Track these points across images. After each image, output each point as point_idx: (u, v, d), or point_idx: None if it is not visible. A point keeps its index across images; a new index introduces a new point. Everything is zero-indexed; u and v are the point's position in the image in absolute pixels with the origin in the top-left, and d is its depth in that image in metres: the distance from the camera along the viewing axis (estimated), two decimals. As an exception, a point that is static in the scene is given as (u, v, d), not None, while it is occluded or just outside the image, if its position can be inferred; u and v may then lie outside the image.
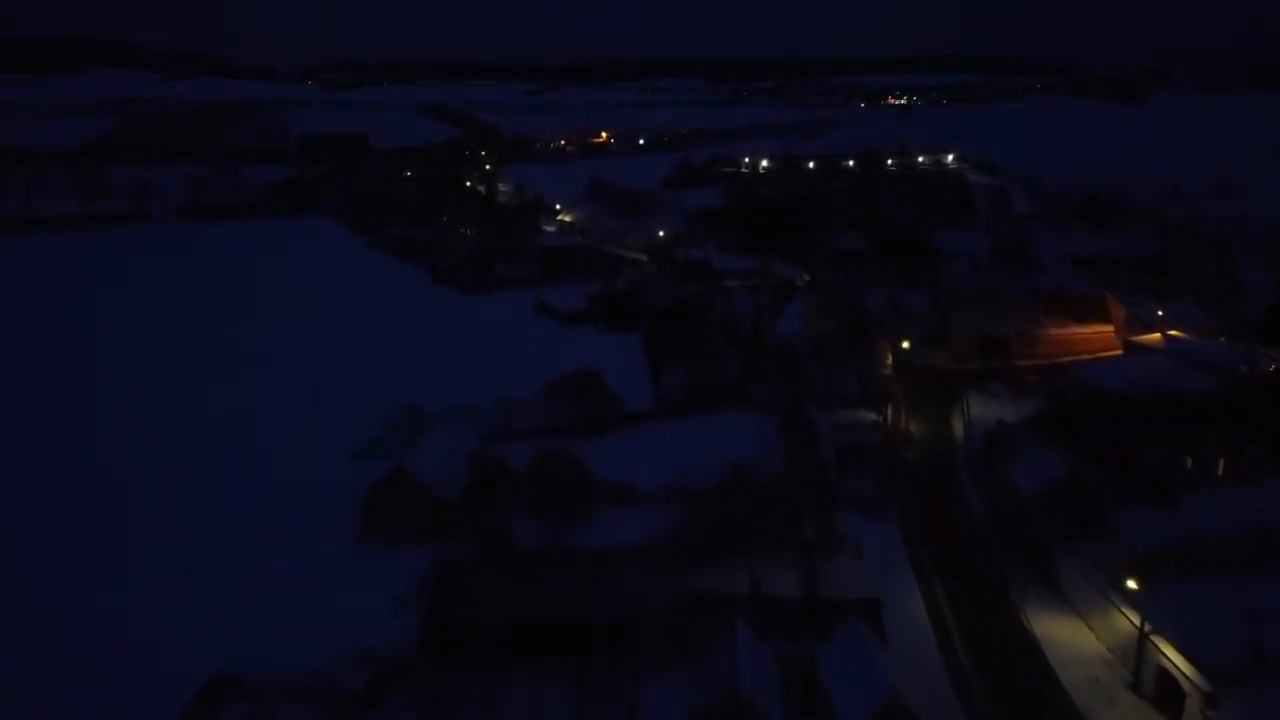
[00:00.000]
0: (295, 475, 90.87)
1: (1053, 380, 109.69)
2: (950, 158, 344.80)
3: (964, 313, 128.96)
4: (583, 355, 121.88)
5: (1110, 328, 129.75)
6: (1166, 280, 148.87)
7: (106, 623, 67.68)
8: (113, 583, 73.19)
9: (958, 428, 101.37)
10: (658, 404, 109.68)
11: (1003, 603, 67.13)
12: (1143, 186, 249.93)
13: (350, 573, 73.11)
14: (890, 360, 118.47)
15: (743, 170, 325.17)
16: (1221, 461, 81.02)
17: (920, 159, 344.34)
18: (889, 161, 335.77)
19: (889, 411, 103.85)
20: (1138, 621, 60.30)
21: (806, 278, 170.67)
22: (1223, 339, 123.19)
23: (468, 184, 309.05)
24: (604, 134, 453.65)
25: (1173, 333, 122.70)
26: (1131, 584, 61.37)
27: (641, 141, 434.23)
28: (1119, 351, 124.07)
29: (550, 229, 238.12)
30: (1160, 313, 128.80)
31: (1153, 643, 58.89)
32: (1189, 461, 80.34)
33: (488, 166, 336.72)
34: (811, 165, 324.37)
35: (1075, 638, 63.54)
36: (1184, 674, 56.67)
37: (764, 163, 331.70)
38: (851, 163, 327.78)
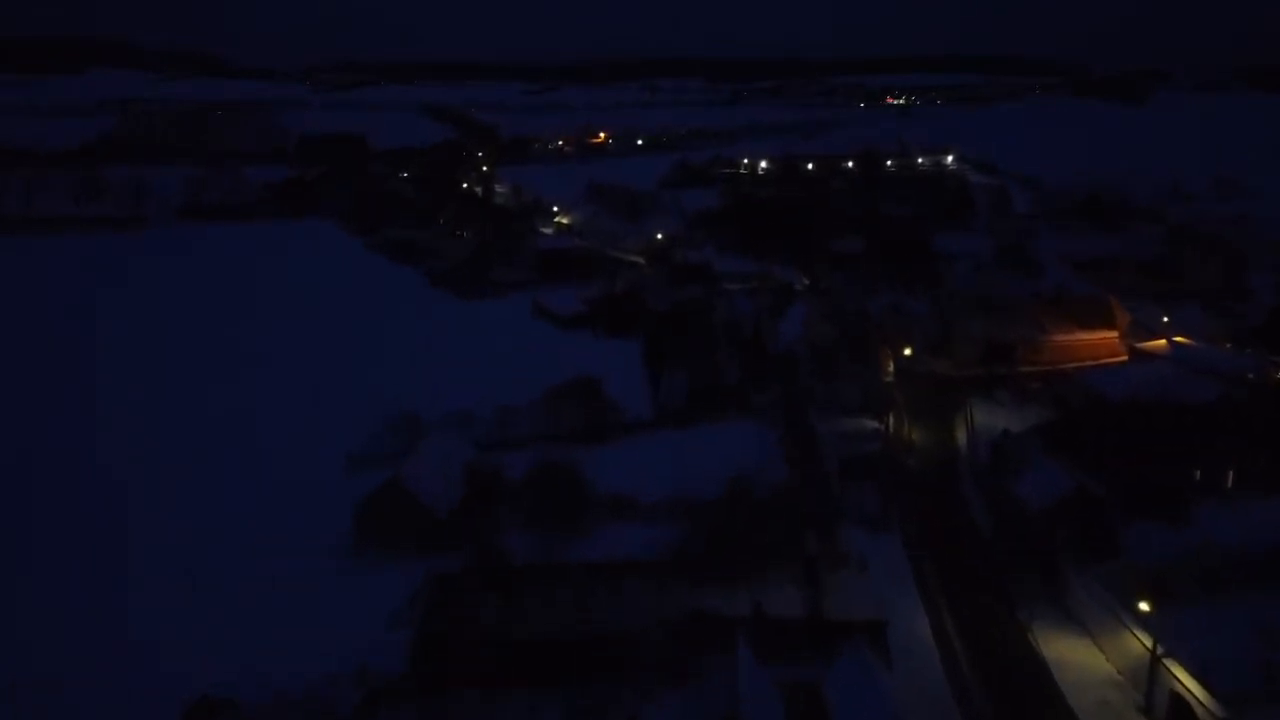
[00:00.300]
0: (290, 483, 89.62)
1: (1058, 388, 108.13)
2: (950, 158, 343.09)
3: (966, 318, 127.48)
4: (581, 360, 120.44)
5: (1115, 333, 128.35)
6: (1170, 283, 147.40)
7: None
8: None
9: (961, 437, 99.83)
10: (657, 411, 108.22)
11: (1010, 621, 65.53)
12: (1143, 187, 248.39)
13: (344, 587, 71.69)
14: (891, 367, 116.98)
15: (741, 171, 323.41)
16: (1232, 473, 79.59)
17: (920, 159, 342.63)
18: (888, 162, 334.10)
19: (890, 420, 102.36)
20: (1149, 643, 58.78)
21: (806, 281, 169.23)
22: (1229, 345, 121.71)
23: (465, 185, 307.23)
24: (602, 134, 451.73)
25: (1178, 339, 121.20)
26: (1144, 605, 59.76)
27: (640, 142, 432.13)
28: (1124, 358, 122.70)
29: (548, 231, 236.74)
30: (1165, 318, 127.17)
31: (1165, 665, 57.37)
32: (1199, 473, 78.88)
33: (485, 168, 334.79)
34: (811, 166, 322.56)
35: (1084, 659, 61.96)
36: (1197, 698, 55.13)
37: (763, 164, 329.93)
38: (851, 164, 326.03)
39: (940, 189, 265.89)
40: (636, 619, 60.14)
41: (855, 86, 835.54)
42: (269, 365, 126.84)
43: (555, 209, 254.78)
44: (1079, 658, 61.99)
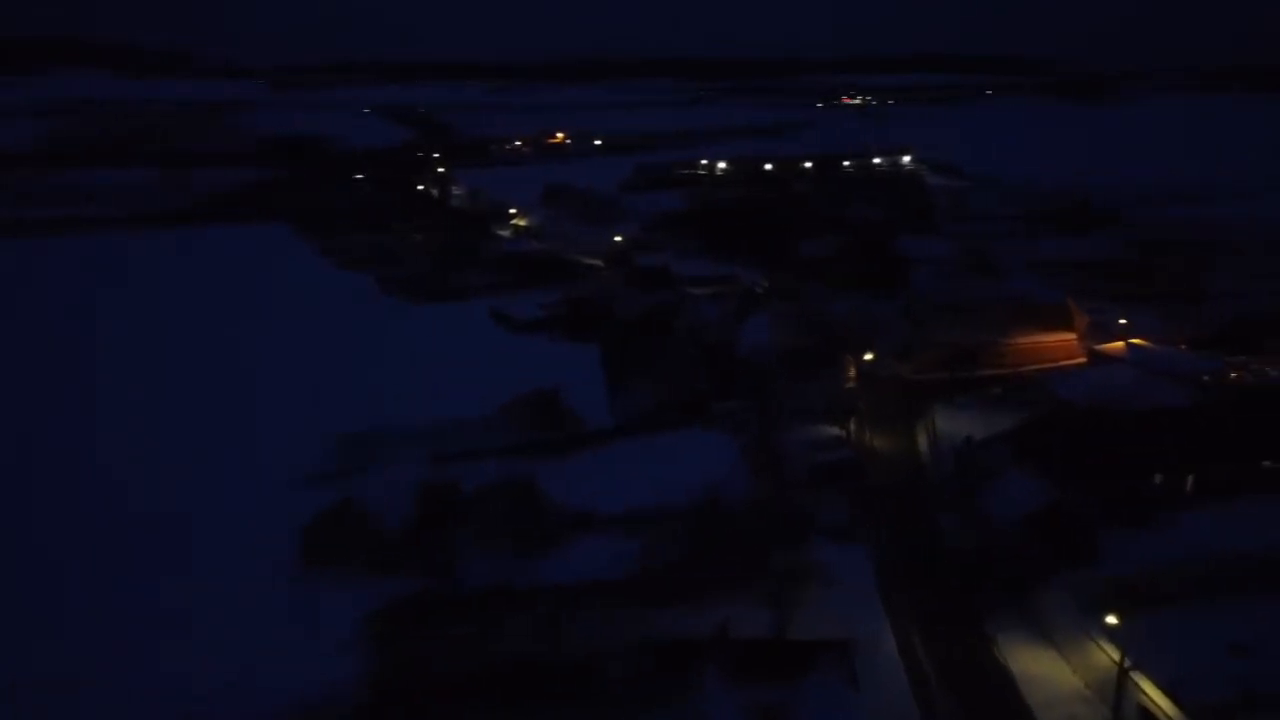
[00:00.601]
0: (232, 504, 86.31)
1: (1020, 392, 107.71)
2: (912, 159, 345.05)
3: (930, 322, 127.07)
4: (540, 368, 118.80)
5: (1073, 335, 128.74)
6: (1132, 286, 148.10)
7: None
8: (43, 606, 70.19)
9: (925, 444, 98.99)
10: (619, 421, 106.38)
11: (977, 635, 64.47)
12: (1108, 189, 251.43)
13: (290, 613, 68.86)
14: (855, 372, 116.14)
15: (704, 173, 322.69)
16: (1197, 479, 79.43)
17: (883, 161, 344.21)
18: (852, 164, 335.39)
19: (854, 427, 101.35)
20: (1117, 656, 57.99)
21: (767, 284, 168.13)
22: (1184, 347, 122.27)
23: (423, 188, 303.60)
24: (561, 135, 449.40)
25: (1135, 341, 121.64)
26: (1111, 618, 58.92)
27: (599, 143, 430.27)
28: (1082, 360, 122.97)
29: (506, 234, 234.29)
30: (1123, 320, 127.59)
31: (1133, 680, 56.58)
32: (1166, 481, 78.63)
33: (443, 170, 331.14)
34: (775, 168, 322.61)
35: (1052, 673, 60.99)
36: (1165, 712, 54.43)
37: (726, 166, 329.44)
38: (814, 166, 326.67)
39: (903, 192, 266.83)
40: (601, 643, 58.28)
41: (819, 87, 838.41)
42: (211, 379, 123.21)
43: (514, 212, 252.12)
44: (1047, 672, 61.02)
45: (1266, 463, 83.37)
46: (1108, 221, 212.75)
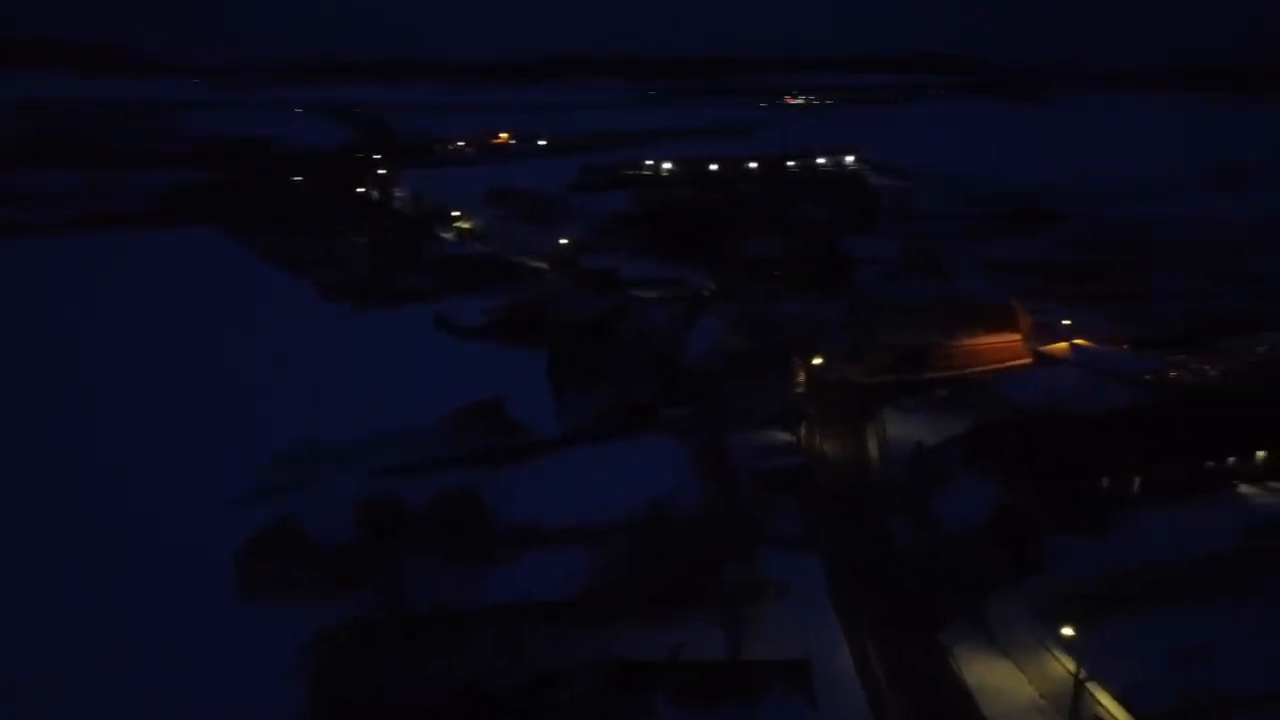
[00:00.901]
0: (165, 526, 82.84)
1: (968, 395, 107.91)
2: (856, 159, 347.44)
3: (876, 324, 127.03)
4: (485, 376, 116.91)
5: (1018, 337, 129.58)
6: (1076, 286, 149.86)
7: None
8: None
9: (875, 448, 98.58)
10: (566, 429, 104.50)
11: (932, 647, 63.82)
12: (1049, 189, 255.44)
13: (226, 640, 66.03)
14: (804, 376, 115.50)
15: (650, 174, 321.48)
16: (1146, 481, 79.97)
17: (827, 161, 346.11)
18: (797, 164, 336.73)
19: (804, 432, 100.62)
20: (1071, 666, 57.65)
21: (714, 286, 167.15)
22: (1126, 347, 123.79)
23: (364, 190, 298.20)
24: (506, 136, 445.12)
25: (1079, 342, 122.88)
26: (1066, 630, 58.58)
27: (543, 143, 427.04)
28: (1027, 360, 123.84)
29: (450, 237, 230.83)
30: (1067, 321, 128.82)
31: (1088, 690, 56.24)
32: (1114, 484, 79.01)
33: (385, 171, 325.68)
34: (720, 169, 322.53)
35: (1008, 683, 60.50)
36: (1120, 722, 54.19)
37: (671, 166, 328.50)
38: (759, 166, 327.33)
39: (847, 192, 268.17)
40: (552, 667, 56.46)
41: (762, 87, 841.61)
42: (142, 391, 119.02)
43: (457, 214, 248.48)
44: (1003, 683, 60.53)
45: (1210, 464, 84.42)
46: (1049, 221, 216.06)
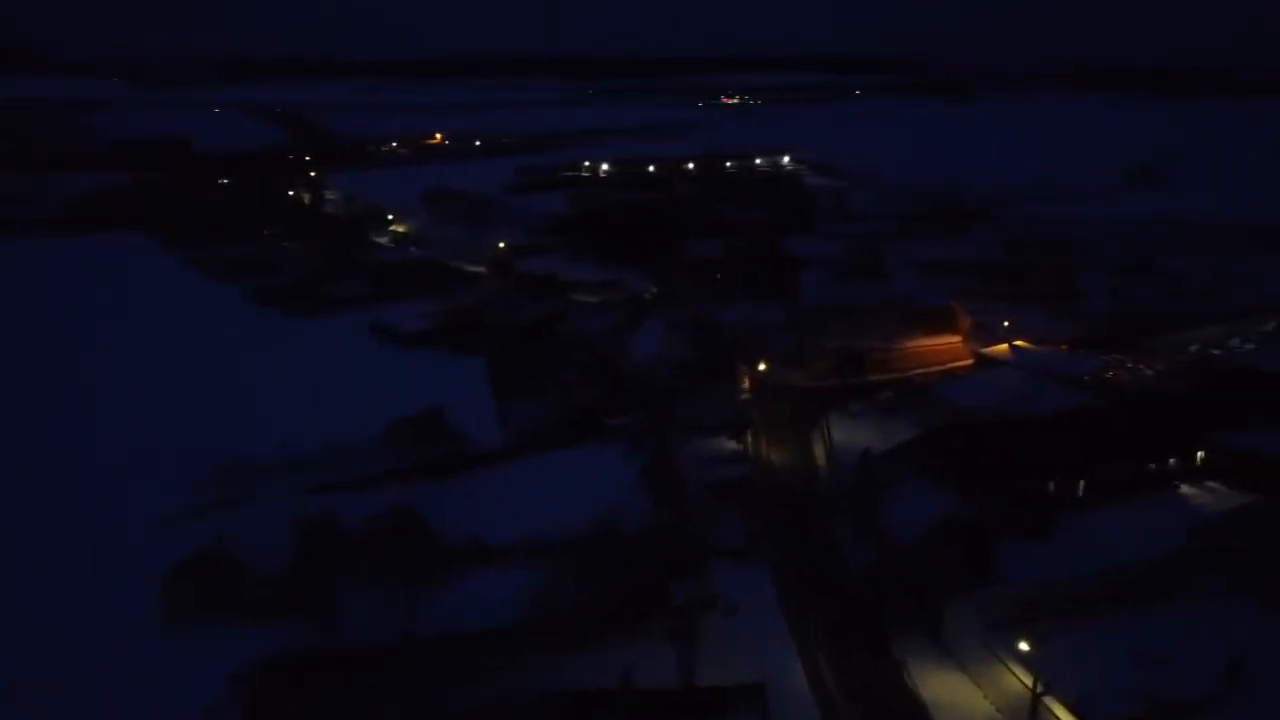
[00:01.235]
0: (86, 550, 78.57)
1: (912, 398, 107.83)
2: (791, 159, 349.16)
3: (818, 328, 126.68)
4: (424, 385, 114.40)
5: (958, 338, 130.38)
6: (1009, 286, 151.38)
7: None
8: None
9: (822, 455, 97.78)
10: (509, 440, 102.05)
11: (887, 661, 62.79)
12: (976, 188, 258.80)
13: (152, 673, 62.43)
14: (748, 382, 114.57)
15: (588, 174, 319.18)
16: (1091, 483, 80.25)
17: (764, 161, 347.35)
18: (734, 164, 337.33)
19: (751, 440, 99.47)
20: (1027, 678, 57.16)
21: (655, 289, 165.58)
22: (1064, 347, 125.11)
23: (295, 193, 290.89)
24: (440, 136, 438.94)
25: (1019, 343, 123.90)
26: (1023, 645, 58.10)
27: (479, 144, 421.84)
28: (968, 362, 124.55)
29: (384, 241, 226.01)
30: (1006, 323, 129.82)
31: (1044, 703, 55.72)
32: (1060, 487, 79.14)
33: (316, 173, 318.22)
34: (658, 169, 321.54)
35: (964, 698, 59.62)
36: (1078, 734, 53.75)
37: (609, 167, 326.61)
38: (696, 166, 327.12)
39: (783, 191, 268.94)
40: (499, 698, 54.13)
41: (697, 86, 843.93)
42: (64, 406, 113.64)
43: (391, 217, 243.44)
44: (958, 697, 59.65)
45: (1152, 465, 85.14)
46: (980, 220, 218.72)
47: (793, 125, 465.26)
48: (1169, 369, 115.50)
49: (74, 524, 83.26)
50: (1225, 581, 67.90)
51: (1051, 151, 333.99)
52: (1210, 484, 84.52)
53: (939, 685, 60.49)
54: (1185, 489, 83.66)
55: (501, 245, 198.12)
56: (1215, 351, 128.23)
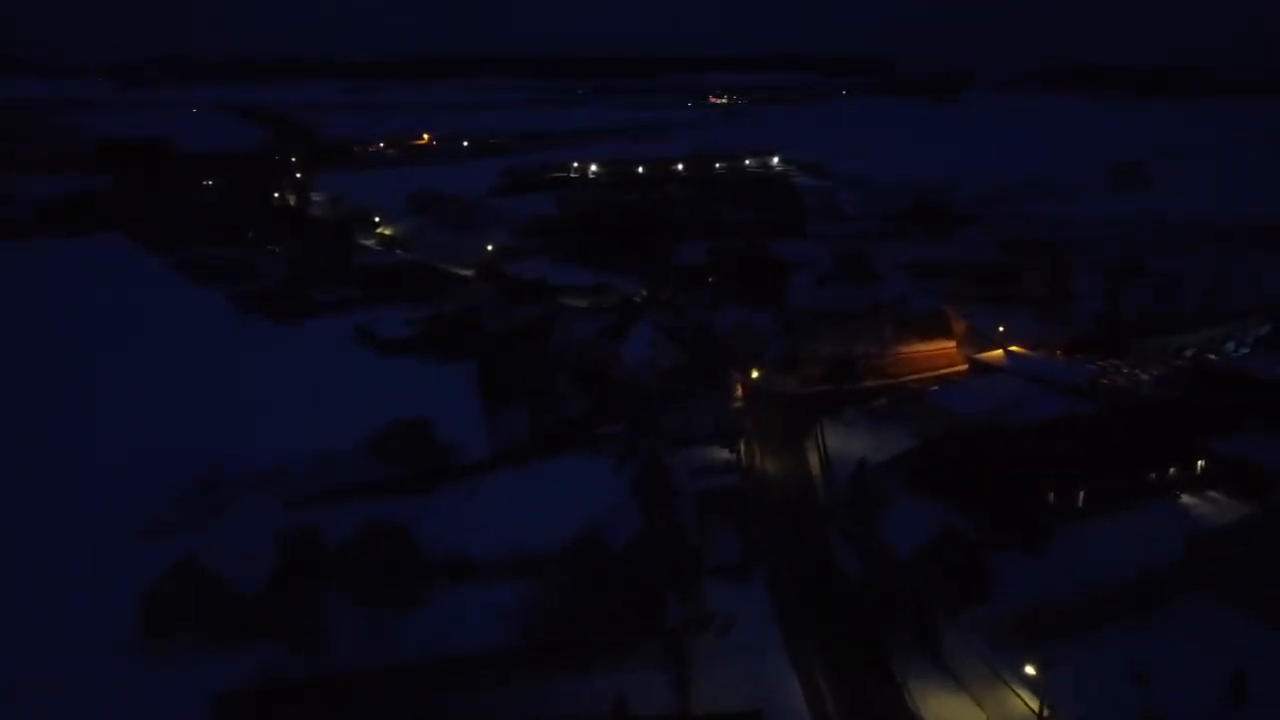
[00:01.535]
0: (60, 565, 76.33)
1: (908, 406, 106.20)
2: (780, 160, 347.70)
3: (811, 333, 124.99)
4: (410, 393, 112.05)
5: (952, 343, 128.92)
6: (1001, 289, 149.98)
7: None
8: None
9: (816, 464, 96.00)
10: (496, 450, 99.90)
11: (888, 683, 60.97)
12: (963, 188, 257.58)
13: (127, 693, 60.25)
14: (740, 389, 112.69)
15: (576, 175, 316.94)
16: (1089, 493, 78.68)
17: (752, 161, 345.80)
18: (723, 165, 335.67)
19: (743, 449, 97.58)
20: (1030, 700, 55.57)
21: (645, 293, 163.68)
22: (1059, 353, 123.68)
23: (279, 194, 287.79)
24: (428, 137, 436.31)
25: (1014, 348, 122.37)
26: (1027, 668, 56.43)
27: (466, 144, 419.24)
28: (963, 367, 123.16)
29: (371, 244, 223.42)
30: (1001, 328, 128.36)
31: (1049, 725, 54.16)
32: (1060, 498, 77.53)
33: (301, 174, 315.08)
34: (647, 170, 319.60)
35: (965, 719, 58.02)
36: (1083, 757, 52.16)
37: (597, 168, 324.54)
38: (685, 166, 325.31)
39: (773, 193, 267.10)
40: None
41: (685, 86, 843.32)
42: (38, 414, 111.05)
43: (378, 220, 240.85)
44: (959, 717, 57.93)
45: (1150, 474, 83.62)
46: (968, 221, 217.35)
47: (781, 125, 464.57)
48: (1164, 374, 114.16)
49: (47, 538, 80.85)
50: (1225, 594, 66.54)
51: (1035, 152, 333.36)
52: (1209, 493, 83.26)
53: (941, 707, 58.85)
54: (1183, 498, 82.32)
55: (489, 248, 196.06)
56: (1210, 356, 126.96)
